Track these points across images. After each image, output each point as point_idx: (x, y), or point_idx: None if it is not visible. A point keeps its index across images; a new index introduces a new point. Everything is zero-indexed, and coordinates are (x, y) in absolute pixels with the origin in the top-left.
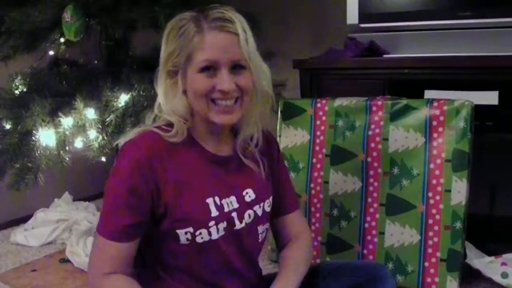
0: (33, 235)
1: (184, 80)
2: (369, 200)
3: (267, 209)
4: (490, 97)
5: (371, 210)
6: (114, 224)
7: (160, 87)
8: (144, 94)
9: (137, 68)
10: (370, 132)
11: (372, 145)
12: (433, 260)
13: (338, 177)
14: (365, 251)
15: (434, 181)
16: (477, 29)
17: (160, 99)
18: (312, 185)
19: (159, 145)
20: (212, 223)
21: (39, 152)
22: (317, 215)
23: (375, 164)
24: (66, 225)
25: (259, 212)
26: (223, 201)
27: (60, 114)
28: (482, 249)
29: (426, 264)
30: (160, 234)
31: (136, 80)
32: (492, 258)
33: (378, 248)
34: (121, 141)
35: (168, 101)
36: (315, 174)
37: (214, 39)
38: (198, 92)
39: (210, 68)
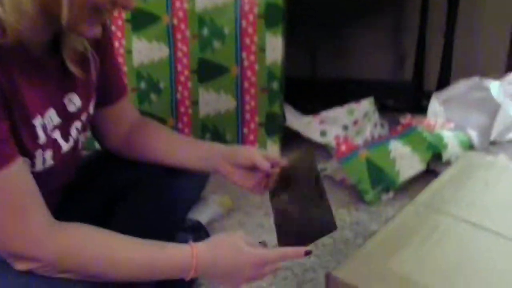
0: None
1: None
2: (179, 67)
3: (91, 111)
4: None
5: (182, 78)
6: None
7: None
8: None
9: None
10: None
11: (178, 4)
12: (252, 125)
13: (142, 45)
14: (180, 125)
15: (247, 40)
16: None
17: None
18: None
19: None
20: (39, 152)
21: None
22: None
23: (182, 26)
24: None
25: (85, 119)
26: (45, 119)
27: None
28: (303, 111)
29: (245, 130)
30: None
31: None
32: (310, 118)
33: (193, 120)
34: None
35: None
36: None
37: None
38: None
39: None
